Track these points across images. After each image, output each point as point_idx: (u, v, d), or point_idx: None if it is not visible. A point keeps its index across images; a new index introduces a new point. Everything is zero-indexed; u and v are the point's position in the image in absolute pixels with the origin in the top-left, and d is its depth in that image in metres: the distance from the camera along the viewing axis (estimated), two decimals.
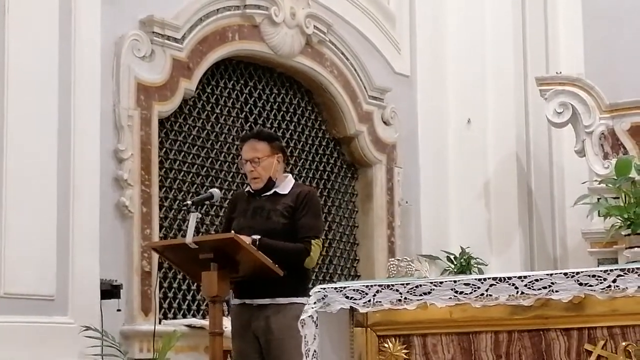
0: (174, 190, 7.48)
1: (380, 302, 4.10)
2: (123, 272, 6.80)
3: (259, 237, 5.22)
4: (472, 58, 9.76)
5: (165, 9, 7.37)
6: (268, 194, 5.45)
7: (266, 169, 5.43)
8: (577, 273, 3.80)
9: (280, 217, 5.35)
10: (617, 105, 8.93)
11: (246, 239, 5.16)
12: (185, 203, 5.70)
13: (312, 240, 5.34)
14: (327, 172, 8.90)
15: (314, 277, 8.11)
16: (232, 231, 5.26)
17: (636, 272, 3.71)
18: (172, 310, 7.34)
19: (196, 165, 7.69)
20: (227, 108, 8.03)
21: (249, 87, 8.24)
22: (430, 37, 9.75)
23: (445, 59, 9.83)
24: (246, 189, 5.64)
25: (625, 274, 3.73)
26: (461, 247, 9.23)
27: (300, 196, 5.41)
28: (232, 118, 8.06)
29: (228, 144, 7.99)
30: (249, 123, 8.18)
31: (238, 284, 5.37)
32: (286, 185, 5.48)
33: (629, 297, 3.72)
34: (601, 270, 3.78)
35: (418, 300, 4.04)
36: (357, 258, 9.09)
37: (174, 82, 7.36)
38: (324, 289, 4.20)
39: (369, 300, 4.11)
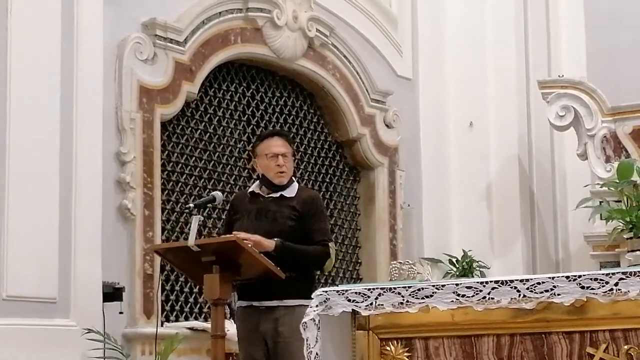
0: (176, 193, 7.49)
1: (382, 305, 4.10)
2: (125, 274, 6.81)
3: (281, 240, 5.25)
4: (474, 61, 9.76)
5: (168, 12, 7.38)
6: (274, 195, 5.46)
7: (291, 168, 5.53)
8: (579, 276, 3.80)
9: (287, 220, 5.36)
10: (619, 108, 8.93)
11: (270, 243, 5.20)
12: (187, 206, 5.70)
13: (329, 244, 5.38)
14: (329, 175, 8.90)
15: (315, 280, 8.10)
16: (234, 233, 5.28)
17: (638, 276, 3.71)
18: (175, 313, 7.34)
19: (198, 168, 7.69)
20: (230, 111, 8.03)
21: (251, 90, 8.24)
22: (433, 40, 9.75)
23: (447, 61, 9.83)
24: (249, 190, 5.63)
25: (627, 277, 3.73)
26: (463, 250, 9.23)
27: (308, 201, 5.45)
28: (234, 121, 8.06)
29: (230, 147, 7.99)
30: (251, 126, 8.19)
31: (245, 286, 5.37)
32: (292, 188, 5.50)
33: (631, 300, 3.72)
34: (603, 274, 3.78)
35: (420, 303, 4.04)
36: (359, 261, 9.09)
37: (177, 85, 7.37)
38: (326, 292, 4.20)
39: (371, 303, 4.11)
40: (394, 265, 4.54)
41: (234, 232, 5.26)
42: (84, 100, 6.36)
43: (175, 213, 7.44)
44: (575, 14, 10.07)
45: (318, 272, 8.28)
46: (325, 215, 5.60)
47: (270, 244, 5.21)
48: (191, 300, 7.47)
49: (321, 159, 8.84)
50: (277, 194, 5.46)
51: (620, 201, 4.68)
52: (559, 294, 3.81)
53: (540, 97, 9.23)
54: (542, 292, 3.83)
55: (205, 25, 7.65)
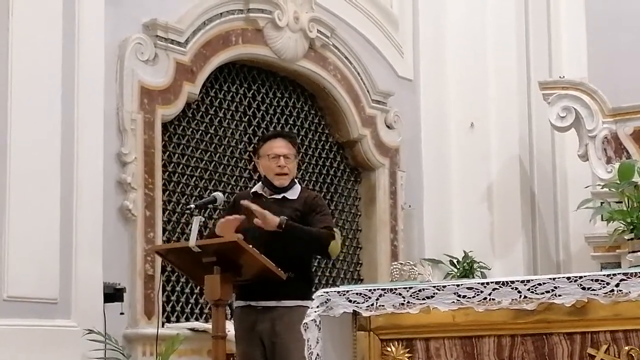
0: (177, 193, 7.49)
1: (383, 305, 4.10)
2: (126, 275, 6.81)
3: (286, 218, 5.26)
4: (475, 62, 9.76)
5: (169, 13, 7.38)
6: (276, 197, 5.46)
7: (293, 169, 5.52)
8: (580, 277, 3.80)
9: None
10: (620, 109, 8.92)
11: (274, 218, 5.22)
12: (188, 207, 5.70)
13: (334, 229, 5.40)
14: (330, 176, 8.90)
15: (317, 281, 8.11)
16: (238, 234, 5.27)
17: (639, 277, 3.71)
18: (175, 314, 7.34)
19: (199, 169, 7.69)
20: (231, 112, 8.03)
21: (252, 90, 8.24)
22: (434, 41, 9.75)
23: (449, 62, 9.83)
24: (252, 190, 5.64)
25: (628, 278, 3.73)
26: (464, 250, 9.22)
27: (309, 199, 5.48)
28: (235, 122, 8.06)
29: (231, 148, 7.99)
30: (252, 127, 8.18)
31: (243, 286, 5.37)
32: (295, 190, 5.51)
33: (632, 301, 3.72)
34: (604, 275, 3.78)
35: (421, 304, 4.04)
36: (360, 262, 9.09)
37: (178, 85, 7.37)
38: (327, 292, 4.20)
39: (372, 304, 4.12)
40: (394, 266, 4.54)
41: (243, 202, 5.30)
42: (85, 101, 6.36)
43: (176, 214, 7.44)
44: (576, 15, 10.06)
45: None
46: (328, 211, 5.61)
47: (274, 219, 5.23)
48: (192, 301, 7.47)
49: (322, 159, 8.84)
50: (280, 196, 5.47)
51: (621, 202, 4.68)
52: (560, 295, 3.81)
53: (541, 98, 9.22)
54: (543, 293, 3.83)
55: (206, 26, 7.65)
